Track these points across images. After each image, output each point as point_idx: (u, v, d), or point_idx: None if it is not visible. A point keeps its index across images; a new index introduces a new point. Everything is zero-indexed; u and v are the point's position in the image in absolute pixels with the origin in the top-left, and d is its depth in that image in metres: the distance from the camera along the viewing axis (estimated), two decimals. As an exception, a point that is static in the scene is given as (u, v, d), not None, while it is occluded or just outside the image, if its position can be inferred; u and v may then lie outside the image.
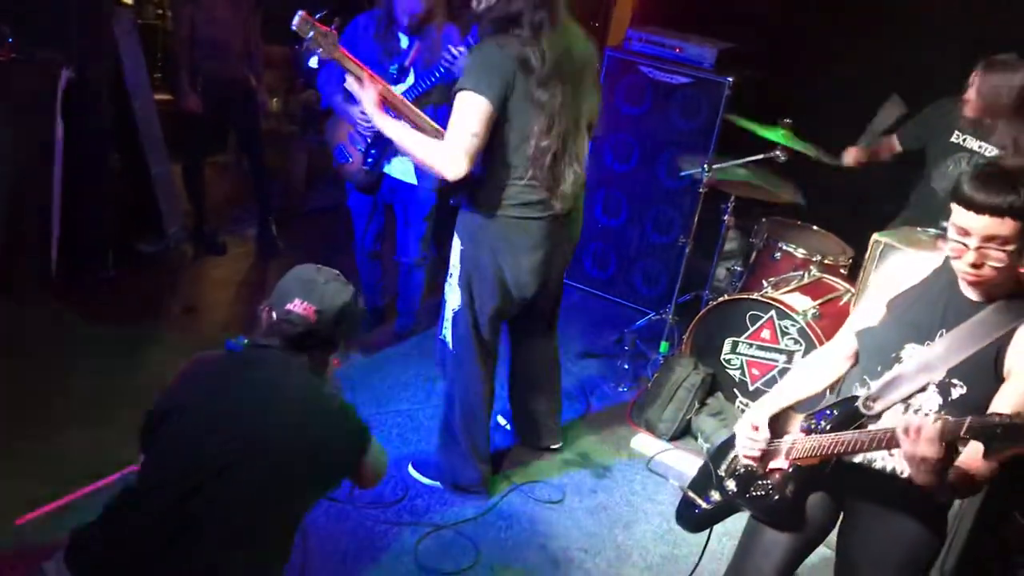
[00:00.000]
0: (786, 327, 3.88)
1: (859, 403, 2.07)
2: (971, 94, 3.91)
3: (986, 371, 1.95)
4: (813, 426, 2.15)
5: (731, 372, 4.09)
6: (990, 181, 1.87)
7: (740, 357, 4.05)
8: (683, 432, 4.01)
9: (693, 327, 4.16)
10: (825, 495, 2.26)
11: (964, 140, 4.03)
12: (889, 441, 1.90)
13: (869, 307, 2.25)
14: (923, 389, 2.00)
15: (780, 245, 4.33)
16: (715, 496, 2.38)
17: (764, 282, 4.19)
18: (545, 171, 2.99)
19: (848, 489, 2.22)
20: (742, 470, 2.32)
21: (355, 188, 4.29)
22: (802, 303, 3.91)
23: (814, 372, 2.34)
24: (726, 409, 4.01)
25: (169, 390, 2.13)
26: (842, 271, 4.31)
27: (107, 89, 4.59)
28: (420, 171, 4.16)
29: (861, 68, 4.72)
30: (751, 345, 4.01)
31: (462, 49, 3.79)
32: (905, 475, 2.01)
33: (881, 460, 2.11)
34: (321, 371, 2.22)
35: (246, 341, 3.53)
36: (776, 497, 2.17)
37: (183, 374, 2.17)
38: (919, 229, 3.53)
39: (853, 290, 3.89)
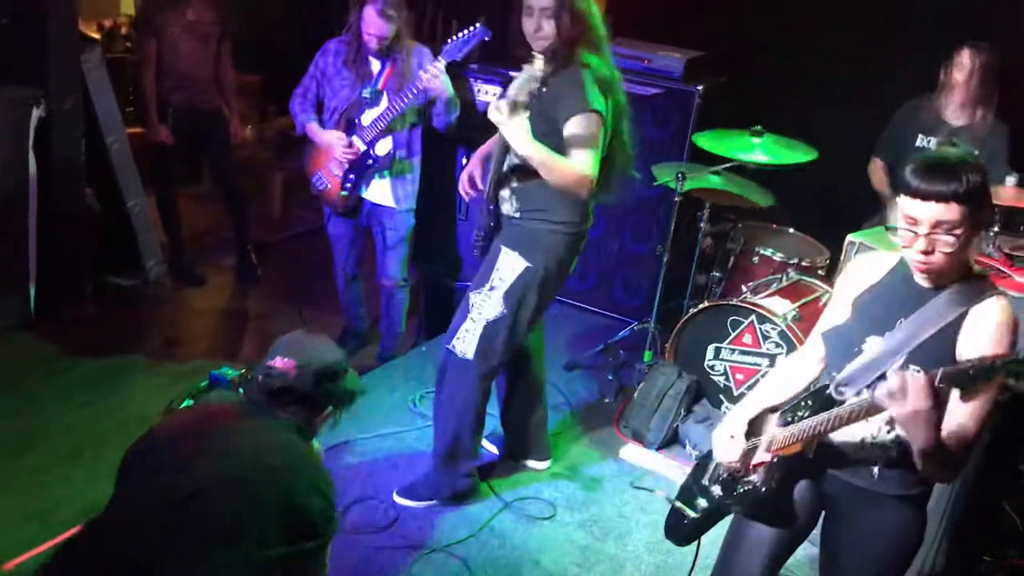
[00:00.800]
0: (767, 331, 3.91)
1: (831, 391, 2.10)
2: (960, 77, 3.94)
3: (941, 355, 2.00)
4: (790, 419, 2.18)
5: (715, 378, 4.11)
6: (933, 169, 1.94)
7: (724, 363, 4.07)
8: (671, 440, 4.02)
9: (675, 335, 4.18)
10: (808, 490, 2.27)
11: (928, 142, 4.09)
12: (868, 411, 1.95)
13: (835, 309, 2.29)
14: (883, 376, 2.02)
15: (757, 249, 4.36)
16: (702, 503, 2.40)
17: (743, 287, 4.22)
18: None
19: (827, 484, 2.24)
20: (726, 475, 2.34)
21: (334, 213, 4.29)
22: (782, 307, 3.94)
23: (787, 377, 2.36)
24: (712, 415, 4.02)
25: (144, 436, 2.10)
26: (820, 272, 4.34)
27: (79, 124, 4.58)
28: (398, 194, 4.17)
29: (834, 71, 4.77)
30: (734, 350, 4.03)
31: (439, 65, 3.81)
32: (879, 439, 2.09)
33: (855, 434, 2.14)
34: (306, 432, 2.17)
35: (231, 372, 3.48)
36: (763, 490, 2.20)
37: (161, 423, 2.14)
38: (884, 228, 3.57)
39: (831, 291, 3.92)
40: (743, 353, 4.00)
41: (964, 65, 3.93)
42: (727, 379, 4.08)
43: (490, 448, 3.79)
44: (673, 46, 4.95)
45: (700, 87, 4.70)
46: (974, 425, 1.97)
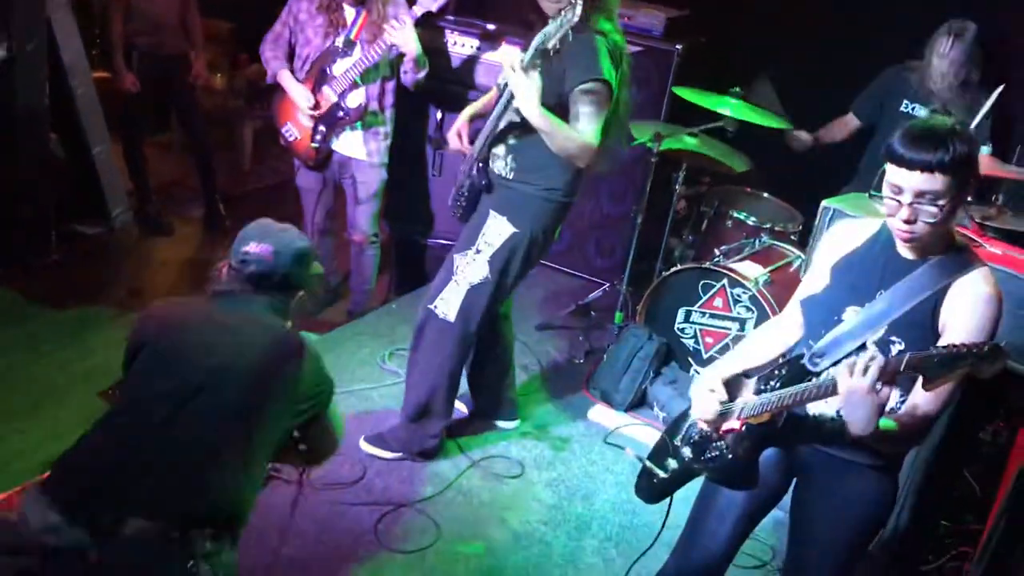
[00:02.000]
0: (738, 295, 3.91)
1: (805, 360, 2.10)
2: (940, 63, 3.94)
3: (923, 327, 2.00)
4: (763, 387, 2.18)
5: (685, 341, 4.12)
6: (920, 138, 1.92)
7: (694, 326, 4.08)
8: (639, 402, 4.04)
9: (647, 297, 4.18)
10: (779, 457, 2.28)
11: (913, 109, 4.08)
12: (835, 387, 1.94)
13: (814, 275, 2.28)
14: (863, 346, 2.03)
15: (731, 213, 4.35)
16: (672, 464, 2.40)
17: (716, 250, 4.22)
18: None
19: (801, 451, 2.25)
20: (697, 436, 2.33)
21: (304, 165, 4.22)
22: (753, 271, 3.94)
23: (766, 340, 2.36)
24: (681, 378, 4.04)
25: (137, 328, 2.19)
26: (793, 238, 4.35)
27: (43, 68, 4.45)
28: (370, 147, 4.10)
29: (815, 34, 4.74)
30: (704, 314, 4.03)
31: (407, 20, 3.74)
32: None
33: (826, 405, 2.13)
34: (285, 314, 2.26)
35: None
36: (730, 456, 2.19)
37: (149, 313, 2.24)
38: (869, 195, 3.57)
39: (804, 256, 3.93)
40: (713, 316, 4.01)
41: (944, 52, 3.93)
42: (697, 342, 4.08)
43: (459, 407, 3.78)
44: (655, 4, 4.89)
45: (680, 46, 4.65)
46: (935, 408, 1.98)
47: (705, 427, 2.28)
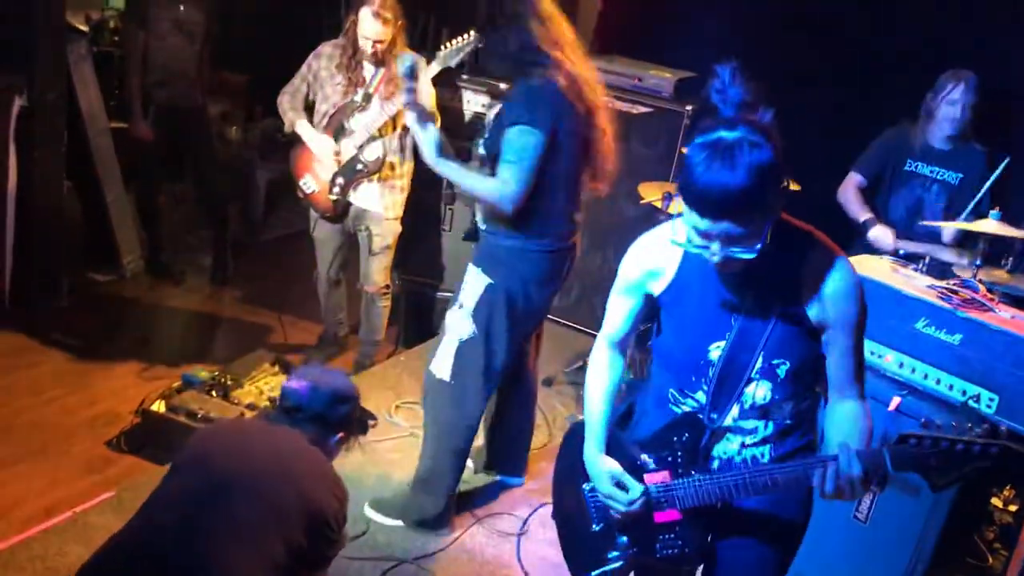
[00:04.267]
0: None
1: (702, 418, 1.99)
2: (950, 109, 3.96)
3: (796, 334, 1.90)
4: (669, 459, 2.04)
5: (693, 399, 4.09)
6: (711, 190, 1.74)
7: (702, 384, 4.05)
8: (646, 460, 4.00)
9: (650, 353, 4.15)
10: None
11: (918, 167, 4.10)
12: (799, 479, 1.88)
13: (617, 307, 2.20)
14: (749, 381, 1.94)
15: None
16: (616, 556, 2.19)
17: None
18: (573, 200, 3.06)
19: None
20: (629, 522, 2.12)
21: (321, 217, 4.25)
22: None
23: (606, 386, 2.22)
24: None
25: (185, 445, 2.28)
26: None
27: (61, 116, 4.53)
28: (386, 200, 4.14)
29: (818, 98, 4.79)
30: (712, 372, 4.01)
31: (423, 77, 3.79)
32: (766, 460, 2.02)
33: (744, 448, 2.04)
34: (323, 448, 2.32)
35: (204, 373, 3.53)
36: (687, 549, 2.07)
37: (199, 435, 2.35)
38: (877, 256, 3.58)
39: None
40: (722, 376, 3.98)
41: (954, 99, 3.95)
42: (705, 401, 4.06)
43: (468, 463, 3.76)
44: (663, 66, 4.96)
45: (689, 107, 4.70)
46: None
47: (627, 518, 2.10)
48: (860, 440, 1.90)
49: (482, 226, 3.12)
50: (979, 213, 3.68)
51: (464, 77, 4.70)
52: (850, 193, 4.26)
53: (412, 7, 4.06)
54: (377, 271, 4.30)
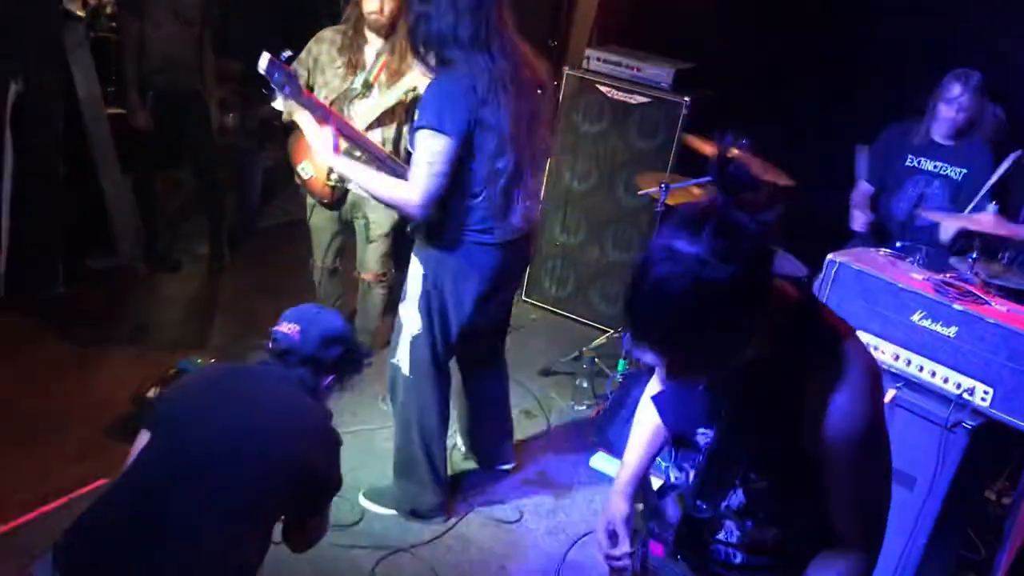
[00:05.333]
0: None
1: (688, 509, 1.83)
2: (947, 108, 3.96)
3: (779, 456, 1.66)
4: (666, 540, 1.91)
5: (689, 390, 4.10)
6: (630, 308, 1.52)
7: (698, 376, 4.06)
8: (641, 451, 4.01)
9: (651, 345, 4.16)
10: None
11: (919, 162, 4.10)
12: None
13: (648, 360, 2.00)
14: (731, 485, 1.74)
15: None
16: None
17: (721, 300, 4.20)
18: (499, 195, 2.93)
19: None
20: None
21: (318, 204, 4.23)
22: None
23: (649, 432, 2.09)
24: (684, 428, 4.01)
25: (163, 397, 2.29)
26: (798, 290, 4.33)
27: (57, 102, 4.51)
28: None
29: (820, 92, 4.79)
30: (709, 364, 4.02)
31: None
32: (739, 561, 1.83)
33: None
34: (315, 394, 2.29)
35: (200, 361, 3.51)
36: None
37: (179, 384, 2.32)
38: (873, 249, 3.58)
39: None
40: (718, 367, 3.99)
41: (953, 95, 3.95)
42: (700, 392, 4.07)
43: (461, 447, 3.78)
44: (663, 56, 4.95)
45: (688, 98, 4.70)
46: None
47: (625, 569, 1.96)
48: None
49: None
50: (982, 209, 3.68)
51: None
52: (859, 201, 4.29)
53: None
54: (374, 259, 4.29)
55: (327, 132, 2.91)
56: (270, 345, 2.28)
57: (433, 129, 2.76)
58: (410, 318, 3.14)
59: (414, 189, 2.81)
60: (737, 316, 1.46)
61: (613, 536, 1.96)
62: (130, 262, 5.12)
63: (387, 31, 3.92)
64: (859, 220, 4.21)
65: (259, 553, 2.10)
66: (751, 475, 1.69)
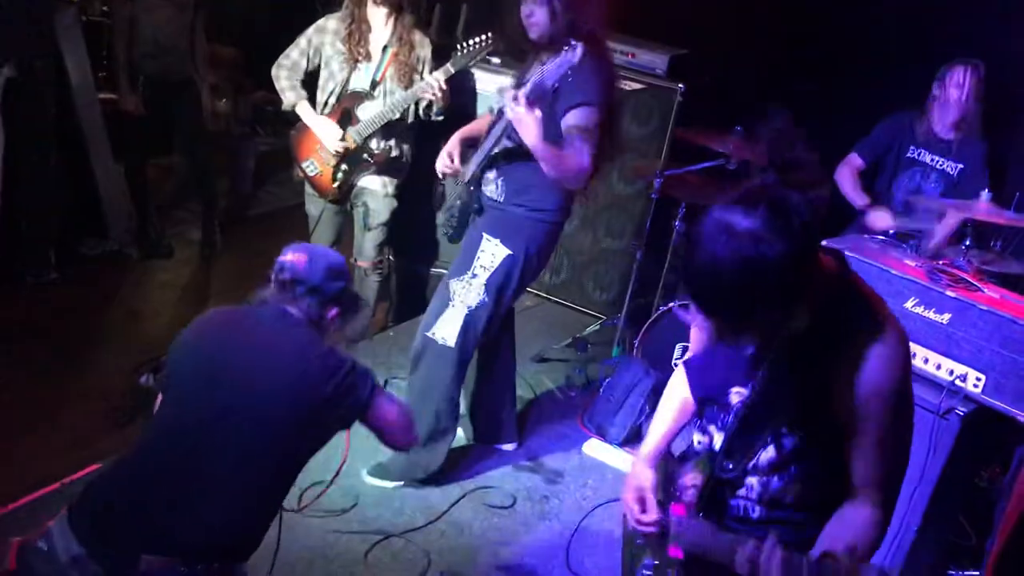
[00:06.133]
0: (737, 332, 3.91)
1: (716, 469, 1.90)
2: (957, 93, 3.94)
3: (813, 413, 1.76)
4: (686, 502, 1.97)
5: (682, 377, 4.11)
6: (704, 287, 1.64)
7: (691, 362, 4.07)
8: (634, 436, 4.01)
9: (644, 332, 4.17)
10: None
11: (920, 154, 4.11)
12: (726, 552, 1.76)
13: (699, 328, 2.05)
14: (761, 441, 1.82)
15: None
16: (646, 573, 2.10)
17: (715, 288, 4.21)
18: None
19: None
20: (648, 548, 2.06)
21: (322, 199, 4.20)
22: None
23: (678, 402, 2.15)
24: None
25: (173, 346, 2.24)
26: (791, 277, 4.34)
27: (49, 87, 4.48)
28: (385, 179, 4.10)
29: (814, 78, 4.77)
30: (702, 350, 4.03)
31: (440, 78, 3.76)
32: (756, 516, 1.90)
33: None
34: (319, 326, 2.27)
35: None
36: None
37: (188, 330, 2.27)
38: (867, 236, 3.59)
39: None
40: (711, 354, 4.00)
41: (961, 82, 3.93)
42: (694, 379, 4.07)
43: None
44: (657, 43, 4.93)
45: (683, 85, 4.68)
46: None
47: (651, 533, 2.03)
48: (841, 549, 1.71)
49: (499, 197, 3.22)
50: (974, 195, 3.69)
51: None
52: (846, 175, 4.26)
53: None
54: (371, 246, 4.28)
55: (537, 113, 2.87)
56: (275, 275, 2.26)
57: (594, 104, 2.97)
58: (471, 293, 3.25)
59: (587, 162, 3.00)
60: (787, 288, 1.58)
61: (642, 502, 2.04)
62: (122, 248, 5.10)
63: (396, 5, 3.88)
64: (859, 198, 4.19)
65: (284, 488, 2.17)
66: (783, 429, 1.79)
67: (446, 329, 3.29)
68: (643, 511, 2.02)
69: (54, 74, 4.51)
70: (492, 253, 3.22)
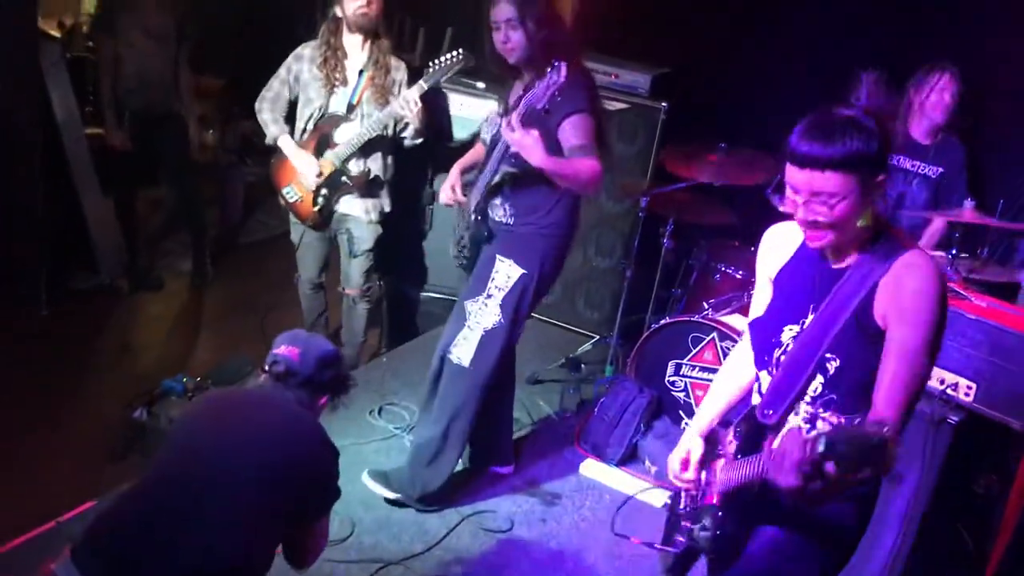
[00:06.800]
0: (728, 348, 3.92)
1: (757, 414, 2.03)
2: (938, 96, 3.94)
3: (853, 335, 1.91)
4: (727, 451, 2.13)
5: (676, 394, 4.12)
6: (813, 132, 1.84)
7: (684, 379, 4.08)
8: (630, 456, 4.02)
9: (636, 350, 4.18)
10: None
11: (900, 161, 4.12)
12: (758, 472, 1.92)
13: (758, 292, 2.22)
14: (807, 375, 1.95)
15: (719, 267, 4.38)
16: (680, 539, 2.29)
17: (705, 304, 4.23)
18: None
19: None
20: (689, 508, 2.26)
21: (303, 224, 4.21)
22: (742, 323, 3.95)
23: (737, 372, 2.30)
24: (672, 432, 4.02)
25: (175, 420, 2.40)
26: (781, 291, 4.36)
27: (35, 124, 4.49)
28: (367, 206, 4.11)
29: (797, 92, 4.79)
30: (694, 367, 4.04)
31: (414, 96, 3.77)
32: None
33: None
34: (311, 409, 2.39)
35: (185, 380, 3.54)
36: (718, 533, 2.10)
37: (186, 410, 2.47)
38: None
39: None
40: (703, 370, 4.01)
41: (942, 88, 3.94)
42: (687, 395, 4.08)
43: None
44: (639, 62, 4.97)
45: (666, 104, 4.72)
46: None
47: (690, 490, 2.26)
48: None
49: (508, 220, 3.25)
50: (956, 203, 3.72)
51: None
52: None
53: (388, 6, 4.02)
54: (358, 273, 4.29)
55: (532, 138, 2.90)
56: (269, 368, 2.36)
57: (584, 112, 3.02)
58: (486, 314, 3.29)
59: (598, 166, 3.03)
60: (873, 179, 1.84)
61: (685, 464, 2.25)
62: (113, 282, 5.10)
63: (371, 32, 3.91)
64: None
65: (266, 560, 2.20)
66: (827, 355, 1.92)
67: (463, 349, 3.32)
68: (684, 470, 2.24)
69: (41, 111, 4.52)
70: (507, 274, 3.26)
